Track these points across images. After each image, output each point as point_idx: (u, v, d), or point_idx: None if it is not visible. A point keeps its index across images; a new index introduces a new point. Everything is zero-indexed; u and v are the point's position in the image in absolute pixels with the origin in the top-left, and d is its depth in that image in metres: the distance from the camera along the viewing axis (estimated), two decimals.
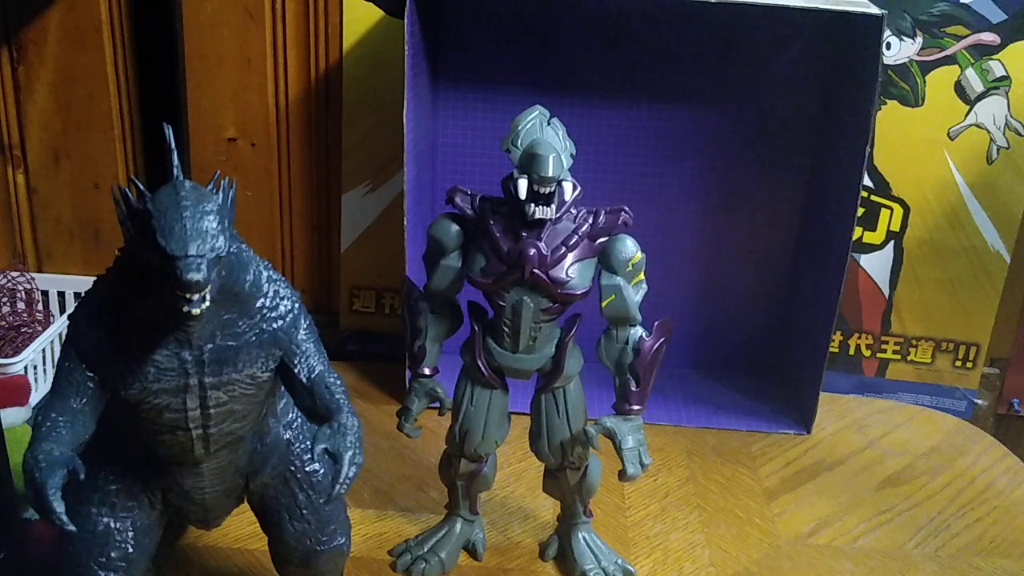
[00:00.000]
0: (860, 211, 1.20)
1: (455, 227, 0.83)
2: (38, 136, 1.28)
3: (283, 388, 0.76)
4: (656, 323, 0.83)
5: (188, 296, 0.61)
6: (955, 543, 1.02)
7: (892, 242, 1.28)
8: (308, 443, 0.78)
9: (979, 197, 1.24)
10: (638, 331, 0.83)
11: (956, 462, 1.18)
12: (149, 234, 0.61)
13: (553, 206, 0.78)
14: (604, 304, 0.82)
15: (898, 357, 1.33)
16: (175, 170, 0.64)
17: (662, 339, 0.83)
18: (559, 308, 0.82)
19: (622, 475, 0.83)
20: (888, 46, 1.19)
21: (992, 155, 1.22)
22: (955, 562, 0.99)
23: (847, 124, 1.13)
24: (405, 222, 1.12)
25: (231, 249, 0.64)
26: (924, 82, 1.21)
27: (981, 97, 1.21)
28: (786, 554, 0.99)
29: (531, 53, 1.21)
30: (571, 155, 0.80)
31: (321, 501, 0.78)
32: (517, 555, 0.96)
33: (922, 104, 1.21)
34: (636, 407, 0.83)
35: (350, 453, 0.69)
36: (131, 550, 0.74)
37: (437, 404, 0.88)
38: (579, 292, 0.80)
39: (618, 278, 0.82)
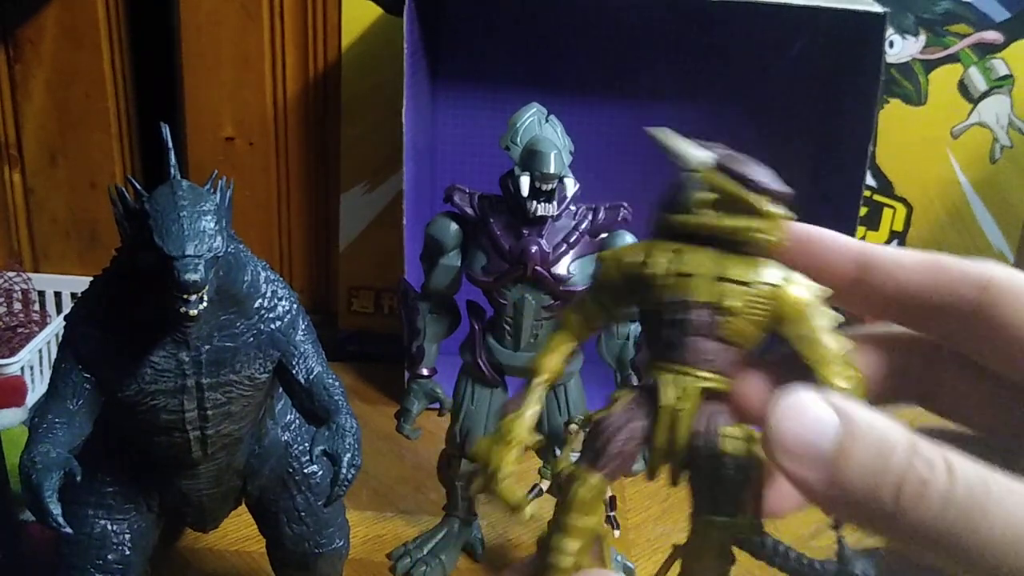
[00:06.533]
0: (863, 211, 1.19)
1: (454, 226, 0.82)
2: (34, 135, 1.27)
3: (281, 389, 0.75)
4: None
5: (185, 297, 0.60)
6: None
7: (895, 242, 1.27)
8: (306, 445, 0.78)
9: (982, 196, 1.23)
10: (638, 326, 0.83)
11: None
12: (146, 234, 0.61)
13: (554, 203, 0.77)
14: None
15: None
16: (172, 169, 0.63)
17: None
18: (560, 305, 0.82)
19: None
20: (891, 44, 1.19)
21: (995, 154, 1.22)
22: None
23: (850, 123, 1.13)
24: (404, 222, 1.11)
25: (229, 249, 0.64)
26: (927, 81, 1.20)
27: (984, 96, 1.20)
28: None
29: (531, 52, 1.21)
30: (570, 152, 0.80)
31: (319, 503, 0.77)
32: (517, 555, 0.96)
33: (925, 103, 1.21)
34: None
35: (349, 455, 0.68)
36: (128, 552, 0.73)
37: (436, 405, 0.88)
38: (581, 288, 0.80)
39: None
